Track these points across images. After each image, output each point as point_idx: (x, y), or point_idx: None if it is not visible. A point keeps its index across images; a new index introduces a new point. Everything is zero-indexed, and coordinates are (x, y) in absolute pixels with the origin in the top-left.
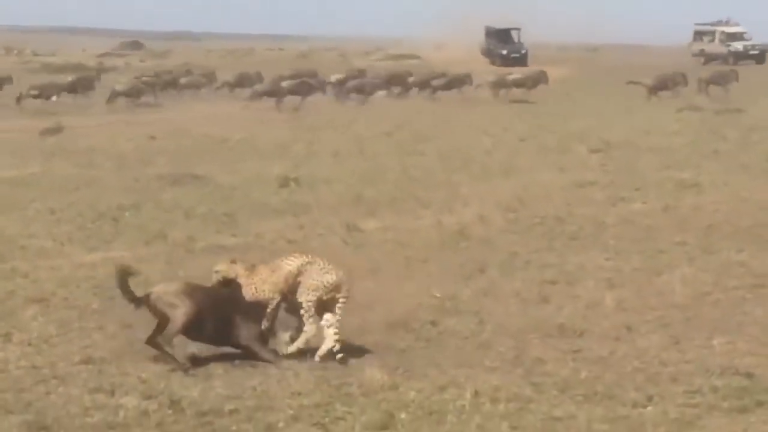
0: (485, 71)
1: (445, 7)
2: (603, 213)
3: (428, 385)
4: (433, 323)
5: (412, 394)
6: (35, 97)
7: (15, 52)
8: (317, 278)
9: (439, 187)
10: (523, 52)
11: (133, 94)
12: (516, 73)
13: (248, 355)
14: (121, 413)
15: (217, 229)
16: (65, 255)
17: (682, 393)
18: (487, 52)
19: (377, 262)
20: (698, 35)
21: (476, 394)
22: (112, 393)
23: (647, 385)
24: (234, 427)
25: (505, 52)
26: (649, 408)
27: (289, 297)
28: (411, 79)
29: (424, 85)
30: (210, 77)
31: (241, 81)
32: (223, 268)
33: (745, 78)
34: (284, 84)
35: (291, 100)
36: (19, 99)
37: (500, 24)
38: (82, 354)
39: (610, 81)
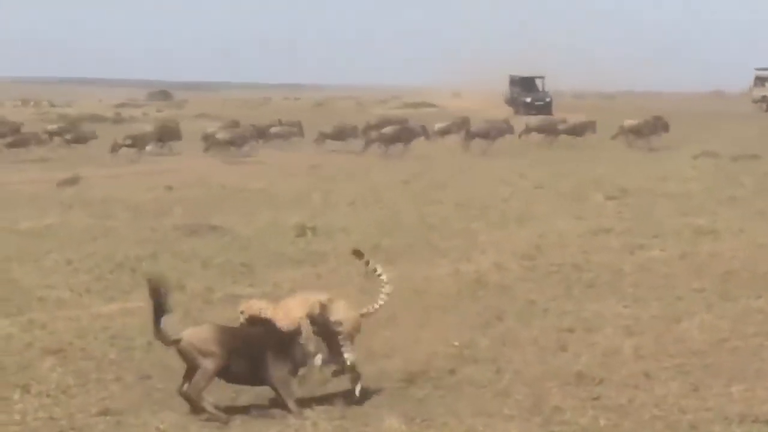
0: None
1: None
2: (620, 260)
3: None
4: (452, 372)
5: None
6: (129, 146)
7: (32, 103)
8: (345, 312)
9: (456, 235)
10: (548, 100)
11: (236, 142)
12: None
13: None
14: None
15: (235, 279)
16: (83, 306)
17: None
18: (512, 101)
19: (395, 310)
20: (759, 81)
21: None
22: None
23: None
24: None
25: (529, 99)
26: None
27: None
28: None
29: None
30: (298, 127)
31: (341, 133)
32: (246, 307)
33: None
34: (387, 130)
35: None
36: (113, 148)
37: (524, 72)
38: (100, 405)
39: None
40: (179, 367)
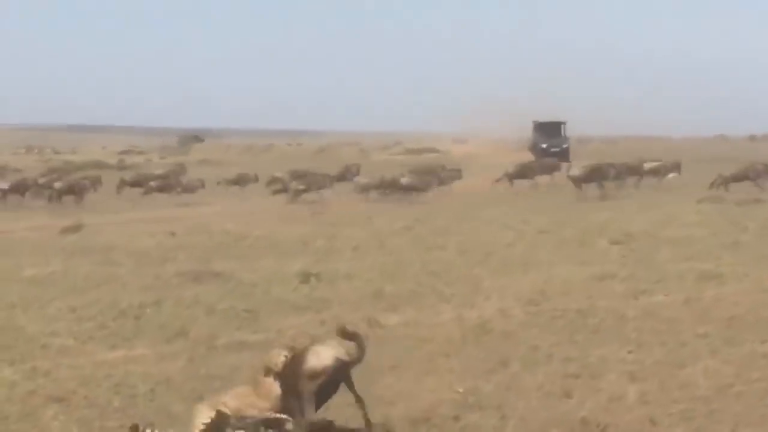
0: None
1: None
2: (624, 305)
3: None
4: (456, 418)
5: None
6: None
7: (35, 150)
8: None
9: (459, 281)
10: (565, 146)
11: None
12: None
13: None
14: None
15: (239, 325)
16: (86, 353)
17: None
18: (533, 148)
19: (399, 357)
20: None
21: None
22: None
23: None
24: None
25: (545, 145)
26: None
27: None
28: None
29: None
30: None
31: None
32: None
33: None
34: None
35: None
36: (294, 196)
37: (547, 118)
38: None
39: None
40: (183, 414)
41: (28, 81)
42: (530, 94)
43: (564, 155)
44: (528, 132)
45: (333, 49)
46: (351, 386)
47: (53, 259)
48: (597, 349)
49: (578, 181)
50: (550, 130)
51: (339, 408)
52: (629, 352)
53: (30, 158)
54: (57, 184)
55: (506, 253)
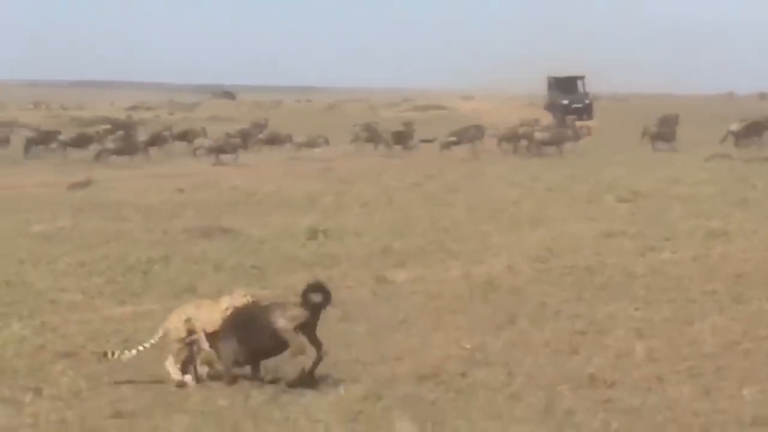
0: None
1: (472, 59)
2: (632, 263)
3: None
4: (463, 375)
5: None
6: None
7: (43, 106)
8: None
9: (468, 238)
10: (587, 102)
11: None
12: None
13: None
14: None
15: (247, 281)
16: (95, 309)
17: None
18: (551, 106)
19: (406, 313)
20: None
21: None
22: None
23: None
24: None
25: (566, 102)
26: None
27: None
28: None
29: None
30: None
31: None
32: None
33: None
34: None
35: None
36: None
37: (563, 73)
38: (112, 408)
39: (639, 131)
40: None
41: (35, 37)
42: (541, 49)
43: (587, 112)
44: (542, 88)
45: (342, 5)
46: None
47: (62, 215)
48: (605, 306)
49: (739, 137)
50: (567, 85)
51: (345, 365)
52: (637, 309)
53: (38, 114)
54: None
55: (515, 210)
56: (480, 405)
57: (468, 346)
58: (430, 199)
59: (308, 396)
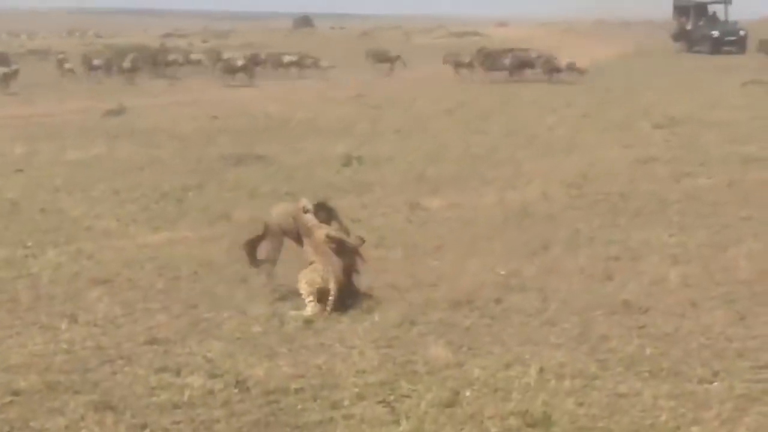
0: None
1: None
2: (667, 189)
3: (493, 362)
4: (498, 301)
5: (477, 371)
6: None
7: (77, 34)
8: None
9: (502, 164)
10: (742, 33)
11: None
12: None
13: None
14: (187, 393)
15: None
16: (129, 236)
17: (749, 368)
18: (681, 35)
19: (441, 240)
20: None
21: (541, 371)
22: (178, 373)
23: (713, 361)
24: (299, 406)
25: (716, 33)
26: (715, 384)
27: None
28: None
29: None
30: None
31: None
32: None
33: None
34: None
35: None
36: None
37: None
38: (147, 334)
39: (673, 56)
40: (226, 296)
41: None
42: None
43: (741, 46)
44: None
45: None
46: None
47: (96, 142)
48: (639, 233)
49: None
50: (702, 12)
51: (380, 290)
52: (671, 235)
53: (72, 41)
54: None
55: (549, 137)
56: (514, 331)
57: (502, 272)
58: (463, 125)
59: (343, 322)
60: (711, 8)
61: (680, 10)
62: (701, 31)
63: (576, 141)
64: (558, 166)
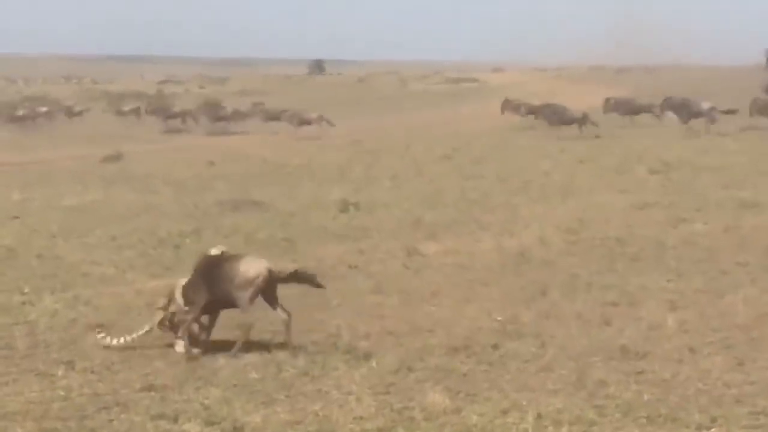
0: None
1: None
2: (664, 234)
3: (490, 408)
4: (495, 346)
5: (475, 418)
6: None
7: (74, 80)
8: None
9: (498, 209)
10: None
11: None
12: None
13: None
14: None
15: (278, 254)
16: (127, 282)
17: (747, 414)
18: None
19: (438, 285)
20: None
21: (539, 417)
22: (175, 419)
23: (711, 407)
24: None
25: None
26: (713, 430)
27: None
28: None
29: None
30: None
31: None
32: None
33: None
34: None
35: None
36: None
37: None
38: (144, 381)
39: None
40: (222, 344)
41: (64, 9)
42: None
43: None
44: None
45: None
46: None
47: (93, 188)
48: (636, 278)
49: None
50: None
51: (377, 336)
52: (668, 280)
53: (69, 88)
54: None
55: (545, 182)
56: (511, 377)
57: (500, 318)
58: (459, 170)
59: (340, 368)
60: None
61: None
62: None
63: (572, 186)
64: (554, 211)
